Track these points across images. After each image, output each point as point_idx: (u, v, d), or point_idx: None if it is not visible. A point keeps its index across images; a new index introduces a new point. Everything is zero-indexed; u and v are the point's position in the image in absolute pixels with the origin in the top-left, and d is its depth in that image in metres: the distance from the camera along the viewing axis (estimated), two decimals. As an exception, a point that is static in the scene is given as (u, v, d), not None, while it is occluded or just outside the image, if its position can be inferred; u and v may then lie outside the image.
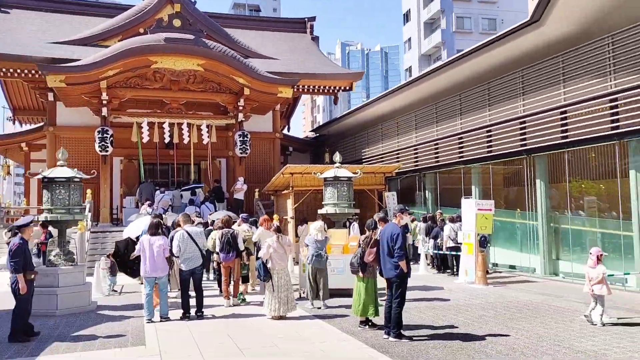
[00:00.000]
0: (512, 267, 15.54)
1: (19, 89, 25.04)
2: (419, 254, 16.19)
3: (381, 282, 8.24)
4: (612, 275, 10.44)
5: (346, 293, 10.16)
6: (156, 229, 9.35)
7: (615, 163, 12.27)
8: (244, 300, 10.92)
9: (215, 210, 18.86)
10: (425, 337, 7.68)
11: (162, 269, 9.23)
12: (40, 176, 10.55)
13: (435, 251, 15.57)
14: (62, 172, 10.39)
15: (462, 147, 17.46)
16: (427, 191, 20.27)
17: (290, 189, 17.61)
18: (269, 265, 9.25)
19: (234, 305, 10.49)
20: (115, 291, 12.47)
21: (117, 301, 11.32)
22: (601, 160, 12.97)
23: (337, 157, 12.82)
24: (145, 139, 20.40)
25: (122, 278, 12.57)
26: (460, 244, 13.89)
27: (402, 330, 7.63)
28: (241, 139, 21.13)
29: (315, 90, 25.11)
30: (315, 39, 29.50)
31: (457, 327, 8.31)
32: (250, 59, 22.45)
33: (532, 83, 14.57)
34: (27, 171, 24.89)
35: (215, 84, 20.76)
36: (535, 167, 14.65)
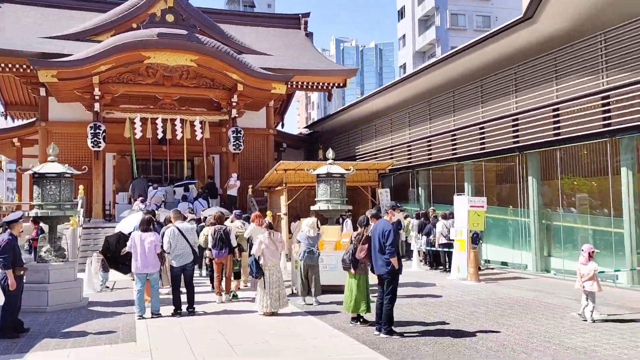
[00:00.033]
0: (504, 263, 15.60)
1: (10, 84, 24.89)
2: (412, 251, 16.23)
3: (373, 279, 8.25)
4: (603, 272, 10.50)
5: (338, 289, 10.15)
6: (147, 225, 9.31)
7: (607, 160, 12.33)
8: (235, 296, 10.92)
9: (209, 207, 18.82)
10: (417, 334, 7.69)
11: (154, 265, 9.20)
12: (30, 172, 10.47)
13: (428, 248, 15.60)
14: (52, 167, 10.32)
15: (455, 144, 17.49)
16: (420, 188, 20.30)
17: (284, 185, 17.61)
18: (261, 262, 9.24)
19: (226, 302, 10.48)
20: (107, 287, 12.44)
21: (109, 297, 11.28)
22: (593, 157, 13.03)
23: (329, 153, 12.81)
24: (138, 134, 20.32)
25: (114, 274, 12.50)
26: (453, 240, 13.92)
27: (393, 327, 7.65)
28: (234, 135, 21.08)
29: (309, 87, 25.06)
30: (310, 35, 29.44)
31: (448, 324, 8.33)
32: (244, 54, 22.38)
33: (525, 80, 14.60)
34: (19, 167, 24.73)
35: (208, 80, 20.69)
36: (527, 164, 14.69)
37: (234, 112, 21.28)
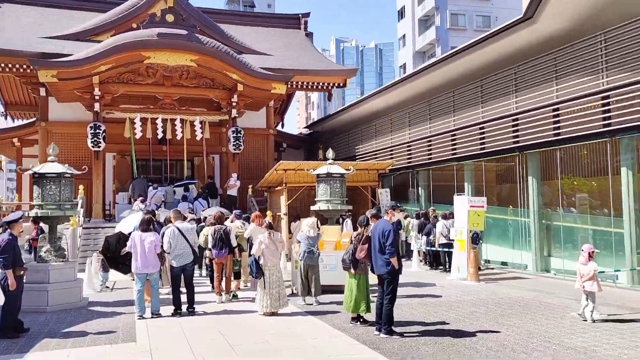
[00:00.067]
0: (504, 263, 15.60)
1: (10, 84, 24.89)
2: (412, 251, 16.22)
3: (373, 279, 8.24)
4: (603, 272, 10.50)
5: (338, 289, 10.15)
6: (147, 225, 9.31)
7: (607, 160, 12.32)
8: (235, 296, 10.92)
9: (209, 207, 18.82)
10: (417, 334, 7.69)
11: (154, 265, 9.20)
12: (30, 172, 10.47)
13: (428, 248, 15.60)
14: (52, 167, 10.32)
15: (455, 144, 17.49)
16: (420, 188, 20.30)
17: (284, 185, 17.61)
18: (261, 262, 9.24)
19: (226, 302, 10.48)
20: (107, 287, 12.44)
21: (109, 297, 11.28)
22: (593, 157, 13.03)
23: (329, 153, 12.81)
24: (138, 134, 20.32)
25: (114, 274, 12.50)
26: (453, 240, 13.92)
27: (393, 327, 7.65)
28: (234, 135, 21.08)
29: (309, 87, 25.06)
30: (310, 35, 29.43)
31: (448, 324, 8.33)
32: (244, 54, 22.38)
33: (525, 80, 14.60)
34: (18, 167, 24.73)
35: (208, 80, 20.69)
36: (527, 164, 14.69)
37: (234, 112, 21.27)
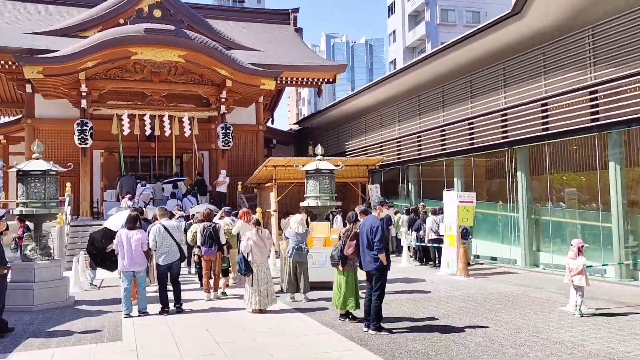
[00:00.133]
0: (494, 258, 15.64)
1: (-5, 81, 24.58)
2: (402, 246, 16.22)
3: (362, 275, 8.21)
4: (591, 266, 10.52)
5: (327, 286, 10.08)
6: (134, 223, 9.21)
7: (595, 155, 12.36)
8: (224, 293, 10.85)
9: (198, 204, 18.72)
10: (405, 330, 7.67)
11: (140, 263, 9.11)
12: (14, 169, 10.32)
13: (418, 243, 15.60)
14: (37, 165, 10.18)
15: (444, 140, 17.49)
16: (410, 184, 20.30)
17: (273, 181, 17.53)
18: (249, 259, 9.17)
19: (215, 299, 10.41)
20: (94, 285, 12.32)
21: (96, 296, 11.17)
22: (581, 152, 13.06)
23: (318, 149, 12.74)
24: (126, 131, 20.14)
25: (102, 272, 12.38)
26: (442, 236, 13.92)
27: (381, 323, 7.62)
28: (224, 131, 20.95)
29: (299, 83, 24.96)
30: (299, 30, 29.32)
31: (437, 319, 8.31)
32: (232, 50, 22.24)
33: (513, 75, 14.61)
34: (4, 165, 24.46)
35: (197, 76, 20.54)
36: (516, 159, 14.71)
37: (223, 108, 21.15)
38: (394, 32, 57.39)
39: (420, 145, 18.92)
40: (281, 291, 10.72)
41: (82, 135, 18.99)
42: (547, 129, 13.37)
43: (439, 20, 51.61)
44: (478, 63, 15.72)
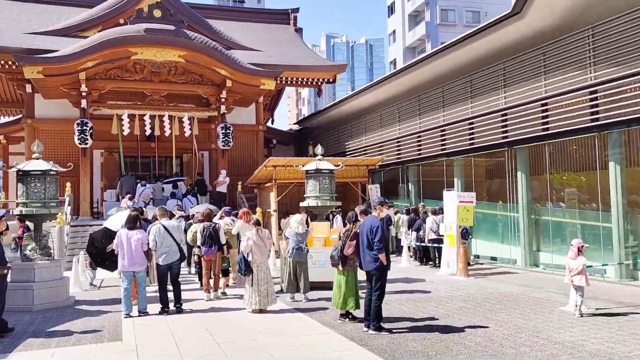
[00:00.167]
0: (494, 258, 15.63)
1: (-5, 81, 24.58)
2: (402, 246, 16.21)
3: (362, 275, 8.20)
4: (591, 266, 10.51)
5: (328, 286, 10.08)
6: (134, 223, 9.21)
7: (595, 155, 12.36)
8: (224, 293, 10.86)
9: (198, 204, 18.72)
10: (405, 330, 7.67)
11: (140, 263, 9.11)
12: (14, 169, 10.32)
13: (418, 243, 15.60)
14: (37, 165, 10.18)
15: (444, 140, 17.48)
16: (410, 184, 20.29)
17: (273, 181, 17.53)
18: (249, 259, 9.17)
19: (215, 299, 10.41)
20: (94, 285, 12.32)
21: (96, 296, 11.17)
22: (581, 152, 13.06)
23: (318, 149, 12.74)
24: (126, 131, 20.14)
25: (102, 272, 12.38)
26: (442, 236, 13.92)
27: (381, 323, 7.62)
28: (224, 131, 20.95)
29: (299, 83, 24.95)
30: (299, 30, 29.31)
31: (437, 319, 8.31)
32: (232, 50, 22.24)
33: (513, 75, 14.60)
34: (4, 165, 24.46)
35: (197, 76, 20.53)
36: (516, 159, 14.71)
37: (223, 108, 21.14)
38: (394, 32, 57.38)
39: (420, 145, 18.92)
40: (281, 291, 10.72)
41: (82, 135, 18.99)
42: (547, 129, 13.37)
43: (439, 20, 51.60)
44: (478, 63, 15.72)
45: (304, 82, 24.98)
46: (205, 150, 23.71)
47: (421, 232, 15.31)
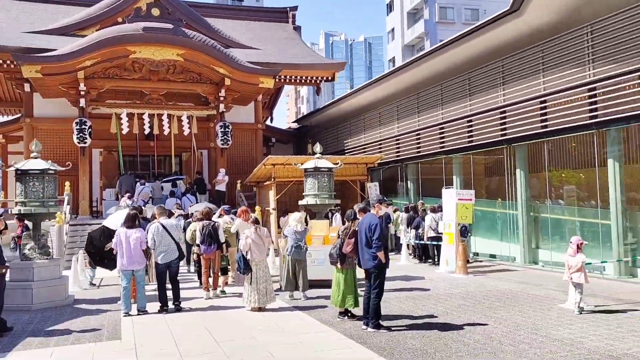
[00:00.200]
0: (493, 256, 15.65)
1: (-6, 80, 24.56)
2: (401, 244, 16.22)
3: (360, 273, 8.20)
4: (590, 263, 10.52)
5: (326, 284, 10.09)
6: (132, 221, 9.20)
7: (594, 152, 12.36)
8: (223, 292, 10.86)
9: (197, 202, 18.72)
10: (404, 327, 7.67)
11: (139, 262, 9.11)
12: (12, 168, 10.32)
13: (417, 241, 15.60)
14: (35, 164, 10.18)
15: (443, 137, 17.48)
16: (409, 181, 20.30)
17: (272, 180, 17.52)
18: (248, 257, 9.17)
19: (214, 297, 10.41)
20: (94, 284, 12.31)
21: (95, 295, 11.17)
22: (580, 149, 13.06)
23: (317, 147, 12.74)
24: (125, 130, 20.13)
25: (101, 271, 12.38)
26: (441, 233, 13.92)
27: (380, 321, 7.61)
28: (222, 130, 20.94)
29: (297, 81, 24.96)
30: (298, 28, 29.28)
31: (436, 317, 8.31)
32: (231, 48, 22.22)
33: (512, 73, 14.60)
34: (2, 164, 24.42)
35: (195, 75, 20.50)
36: (515, 156, 14.71)
37: (221, 106, 21.13)
38: (392, 30, 57.33)
39: (419, 143, 18.92)
40: (280, 289, 10.72)
41: (81, 134, 18.98)
42: (545, 127, 13.37)
43: (437, 17, 51.55)
44: (476, 61, 15.71)
45: (303, 81, 24.98)
46: (205, 149, 23.71)
47: (420, 230, 15.32)
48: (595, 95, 12.02)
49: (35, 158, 10.33)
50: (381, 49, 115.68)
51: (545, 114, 13.37)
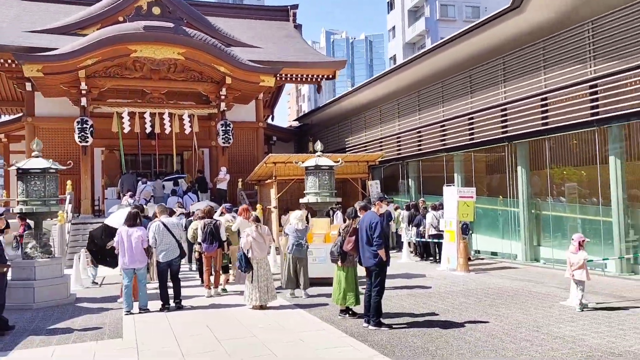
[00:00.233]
0: (494, 253, 15.63)
1: (-5, 79, 24.59)
2: (402, 242, 16.21)
3: (362, 271, 8.20)
4: (592, 260, 10.53)
5: (327, 282, 10.08)
6: (134, 220, 9.21)
7: (595, 149, 12.34)
8: (225, 290, 10.87)
9: (198, 201, 18.74)
10: (405, 325, 7.67)
11: (141, 260, 9.11)
12: (14, 167, 10.34)
13: (418, 239, 15.59)
14: (36, 163, 10.19)
15: (444, 135, 17.46)
16: (410, 179, 20.28)
17: (274, 178, 17.54)
18: (249, 255, 9.18)
19: (215, 296, 10.42)
20: (96, 283, 12.34)
21: (97, 293, 11.19)
22: (581, 146, 13.04)
23: (318, 145, 12.74)
24: (126, 129, 20.16)
25: (103, 269, 12.39)
26: (443, 231, 13.91)
27: (381, 319, 7.61)
28: (224, 128, 20.94)
29: (298, 79, 24.94)
30: (298, 27, 29.25)
31: (437, 315, 8.31)
32: (232, 47, 22.21)
33: (513, 70, 14.57)
34: (5, 163, 24.50)
35: (196, 73, 20.51)
36: (516, 154, 14.69)
37: (222, 105, 21.13)
38: (393, 28, 57.23)
39: (420, 140, 18.90)
40: (281, 287, 10.73)
41: (82, 133, 19.01)
42: (547, 124, 13.34)
43: (438, 15, 51.46)
44: (477, 58, 15.68)
45: (304, 79, 24.96)
46: (206, 148, 23.73)
47: (421, 228, 15.31)
48: (596, 92, 12.00)
49: (37, 157, 10.34)
50: (382, 47, 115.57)
51: (547, 111, 13.34)
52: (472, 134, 16.09)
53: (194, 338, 7.31)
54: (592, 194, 12.93)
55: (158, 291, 9.40)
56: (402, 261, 15.00)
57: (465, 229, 13.87)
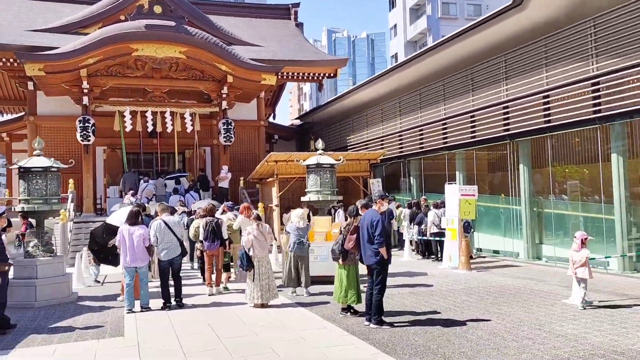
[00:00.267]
0: (496, 251, 15.61)
1: (-3, 78, 24.61)
2: (404, 240, 16.20)
3: (363, 269, 8.19)
4: (594, 258, 10.47)
5: (329, 280, 10.07)
6: (135, 218, 9.21)
7: (598, 147, 12.30)
8: (226, 288, 10.88)
9: (200, 199, 18.74)
10: (407, 323, 7.66)
11: (142, 258, 9.12)
12: (15, 166, 10.34)
13: (420, 237, 15.58)
14: (38, 161, 10.19)
15: (446, 133, 17.44)
16: (411, 177, 20.26)
17: (275, 176, 17.51)
18: (250, 254, 9.18)
19: (217, 294, 10.43)
20: (98, 281, 12.35)
21: (99, 292, 11.19)
22: (584, 144, 13.01)
23: (319, 144, 12.72)
24: (128, 127, 20.18)
25: (105, 268, 12.40)
26: (444, 229, 13.90)
27: (383, 317, 7.61)
28: (225, 127, 20.94)
29: (300, 77, 24.90)
30: (300, 25, 29.23)
31: (439, 313, 8.30)
32: (233, 46, 22.20)
33: (515, 68, 14.54)
34: (8, 162, 24.53)
35: (198, 72, 20.51)
36: (518, 152, 14.66)
37: (224, 104, 21.13)
38: (395, 26, 57.18)
39: (421, 138, 18.87)
40: (282, 286, 10.72)
41: (84, 132, 19.03)
42: (549, 122, 13.31)
43: (440, 13, 51.40)
44: (479, 56, 15.65)
45: (305, 77, 24.93)
46: (207, 146, 23.72)
47: (423, 226, 15.29)
48: (598, 90, 11.96)
49: (38, 156, 10.35)
50: (384, 45, 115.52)
51: (549, 108, 13.31)
52: (474, 132, 16.06)
53: (195, 336, 7.31)
54: (594, 191, 12.90)
55: (159, 289, 9.41)
56: (403, 259, 14.99)
57: (467, 227, 13.85)
